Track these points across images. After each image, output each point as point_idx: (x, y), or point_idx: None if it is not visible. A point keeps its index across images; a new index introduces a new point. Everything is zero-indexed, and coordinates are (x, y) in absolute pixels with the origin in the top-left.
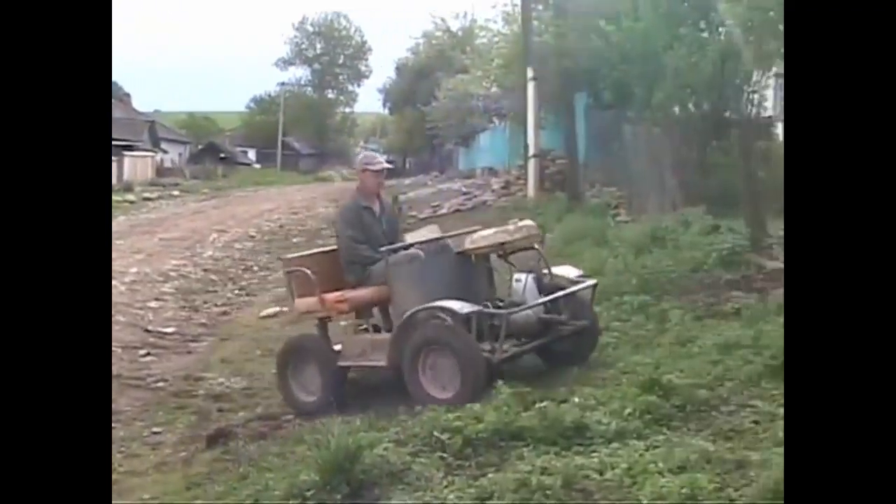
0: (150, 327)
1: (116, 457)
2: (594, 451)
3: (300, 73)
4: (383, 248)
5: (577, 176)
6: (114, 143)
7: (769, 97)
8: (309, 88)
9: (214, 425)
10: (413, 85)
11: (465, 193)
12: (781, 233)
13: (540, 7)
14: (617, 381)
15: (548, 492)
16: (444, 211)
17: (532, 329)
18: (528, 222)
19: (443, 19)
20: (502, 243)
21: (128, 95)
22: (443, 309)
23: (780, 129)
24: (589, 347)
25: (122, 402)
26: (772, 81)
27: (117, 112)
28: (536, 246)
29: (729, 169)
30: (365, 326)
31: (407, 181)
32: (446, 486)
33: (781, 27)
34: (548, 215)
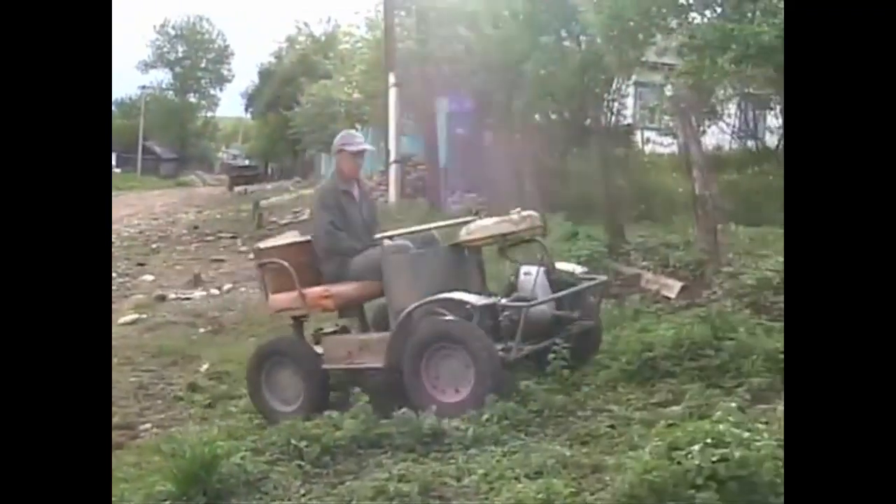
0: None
1: None
2: (452, 458)
3: (161, 76)
4: (378, 236)
5: (437, 182)
6: None
7: (629, 105)
8: (170, 92)
9: None
10: (276, 90)
11: None
12: (639, 239)
13: (403, 13)
14: None
15: (405, 499)
16: (305, 217)
17: (546, 326)
18: (532, 212)
19: (306, 24)
20: (505, 234)
21: None
22: (454, 302)
23: (638, 138)
24: (592, 348)
25: None
26: (631, 90)
27: None
28: (539, 239)
29: (588, 176)
30: (333, 329)
31: (269, 186)
32: (304, 495)
33: (641, 35)
34: (409, 221)
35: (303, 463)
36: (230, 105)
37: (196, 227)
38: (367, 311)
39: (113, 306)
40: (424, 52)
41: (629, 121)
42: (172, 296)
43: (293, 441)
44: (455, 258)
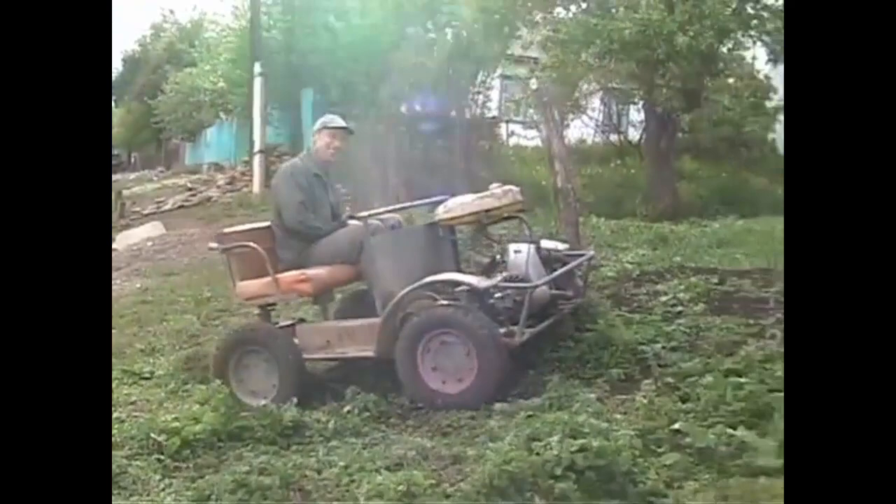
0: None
1: None
2: (313, 450)
3: None
4: (362, 214)
5: None
6: None
7: (494, 98)
8: None
9: None
10: (140, 78)
11: (189, 189)
12: (502, 231)
13: (269, 2)
14: None
15: (267, 492)
16: (167, 207)
17: (545, 307)
18: (513, 187)
19: (172, 11)
20: (488, 210)
21: None
22: (450, 283)
23: (503, 130)
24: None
25: None
26: (497, 83)
27: None
28: (521, 216)
29: (453, 167)
30: (290, 322)
31: (132, 176)
32: (164, 489)
33: (507, 29)
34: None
35: (162, 457)
36: None
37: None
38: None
39: None
40: (291, 41)
41: (494, 113)
42: None
43: (152, 434)
44: (431, 238)
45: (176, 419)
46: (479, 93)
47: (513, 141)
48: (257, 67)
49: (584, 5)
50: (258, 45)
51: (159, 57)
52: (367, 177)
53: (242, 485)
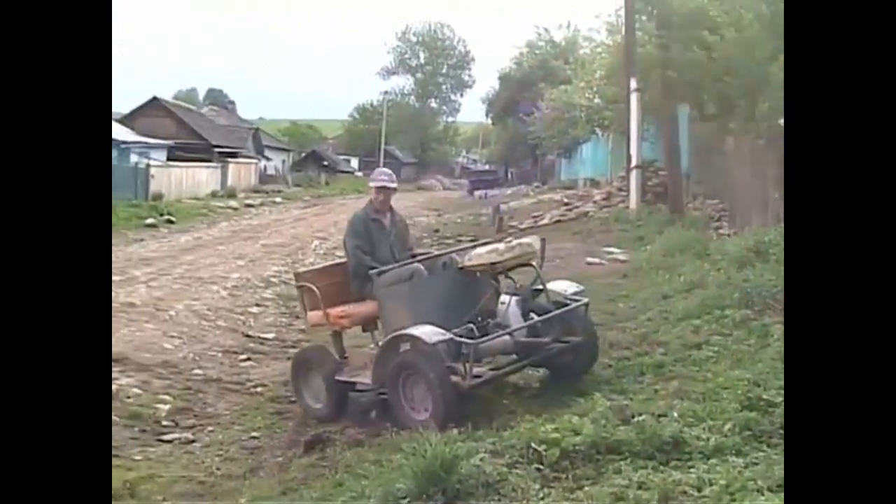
0: (250, 332)
1: (214, 459)
2: (692, 467)
3: (403, 82)
4: (372, 271)
5: (678, 188)
6: (218, 149)
7: None
8: (411, 98)
9: (312, 431)
10: (516, 95)
11: (566, 204)
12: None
13: (643, 18)
14: (716, 397)
15: None
16: (544, 221)
17: (511, 352)
18: (526, 240)
19: (546, 30)
20: (493, 263)
21: (232, 103)
22: (413, 336)
23: None
24: (586, 362)
25: (220, 406)
26: None
27: (222, 119)
28: (533, 264)
29: None
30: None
31: (508, 191)
32: (542, 499)
33: None
34: (648, 227)
35: (541, 466)
36: (470, 110)
37: (436, 231)
38: None
39: None
40: (665, 56)
41: None
42: None
43: (532, 444)
44: (465, 280)
45: (556, 430)
46: None
47: None
48: (633, 83)
49: None
50: (633, 60)
51: (534, 74)
52: (745, 192)
53: (620, 498)
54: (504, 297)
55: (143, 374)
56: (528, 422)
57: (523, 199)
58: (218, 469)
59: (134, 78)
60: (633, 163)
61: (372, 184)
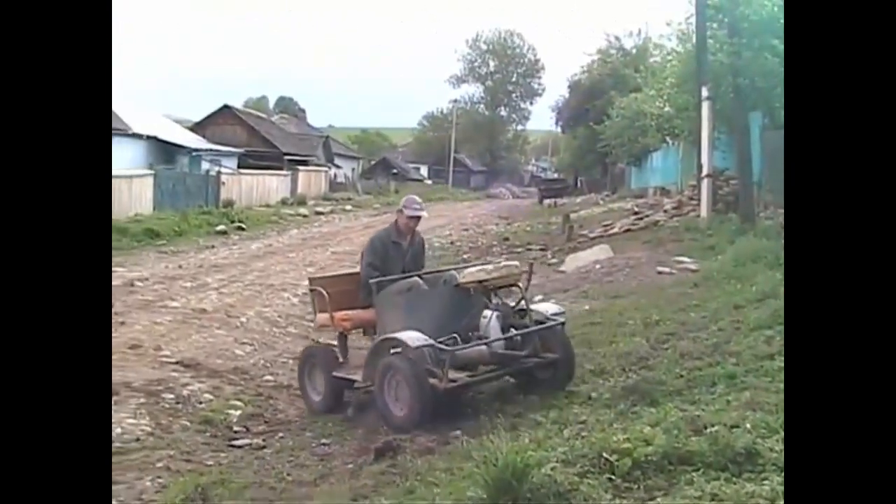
0: (320, 340)
1: (285, 465)
2: (766, 479)
3: (473, 90)
4: (372, 281)
5: (750, 197)
6: (289, 157)
7: None
8: (481, 106)
9: (382, 438)
10: (585, 103)
11: (636, 213)
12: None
13: (714, 25)
14: None
15: None
16: (615, 230)
17: (489, 362)
18: (512, 263)
19: (616, 38)
20: (482, 281)
21: (303, 111)
22: (399, 340)
23: None
24: (563, 377)
25: (291, 412)
26: None
27: (292, 127)
28: (519, 285)
29: None
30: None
31: (578, 199)
32: None
33: None
34: (720, 236)
35: (613, 476)
36: (540, 118)
37: (506, 239)
38: None
39: None
40: (737, 64)
41: None
42: None
43: (604, 454)
44: (458, 296)
45: (627, 440)
46: None
47: None
48: (704, 91)
49: None
50: (704, 68)
51: (604, 82)
52: None
53: None
54: (486, 312)
55: (214, 379)
56: (599, 431)
57: (593, 207)
58: (288, 475)
59: (203, 86)
60: (705, 171)
61: (406, 212)
